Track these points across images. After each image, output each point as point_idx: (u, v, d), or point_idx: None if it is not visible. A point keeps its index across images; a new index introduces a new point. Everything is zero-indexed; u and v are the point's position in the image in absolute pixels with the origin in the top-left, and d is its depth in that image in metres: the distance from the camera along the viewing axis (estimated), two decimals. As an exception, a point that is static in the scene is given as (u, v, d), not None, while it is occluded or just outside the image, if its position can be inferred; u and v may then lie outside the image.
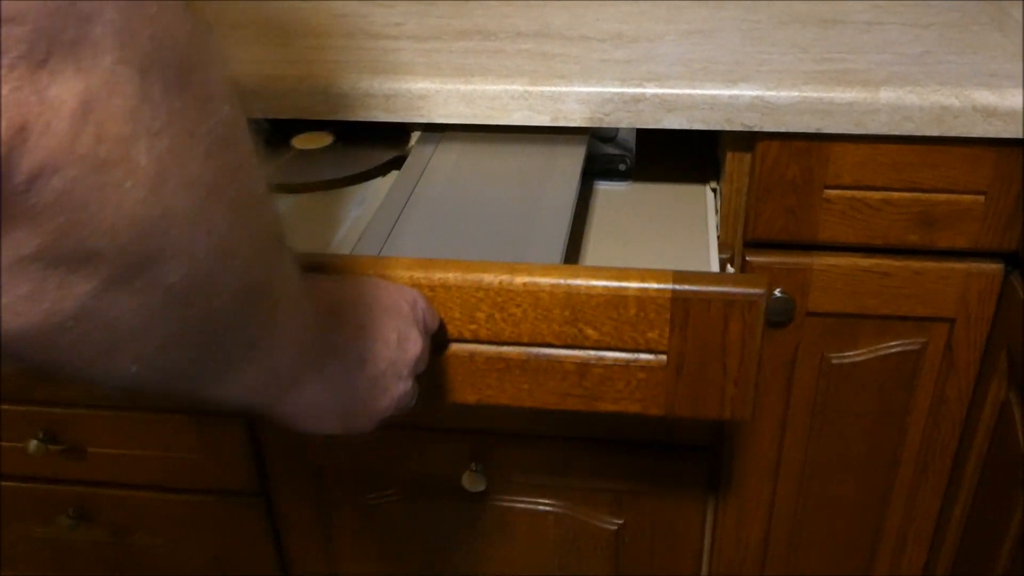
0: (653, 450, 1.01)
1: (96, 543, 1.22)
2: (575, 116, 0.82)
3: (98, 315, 0.37)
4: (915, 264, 0.87)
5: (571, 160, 0.83)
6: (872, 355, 0.93)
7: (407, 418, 0.64)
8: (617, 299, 0.64)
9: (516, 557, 1.13)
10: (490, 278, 0.65)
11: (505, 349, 0.68)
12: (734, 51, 0.86)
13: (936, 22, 0.91)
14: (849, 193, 0.84)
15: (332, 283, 0.59)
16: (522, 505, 1.08)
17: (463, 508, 1.09)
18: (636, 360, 0.67)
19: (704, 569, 1.10)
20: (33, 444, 1.09)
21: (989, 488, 0.92)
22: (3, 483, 1.18)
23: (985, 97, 0.77)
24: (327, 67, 0.86)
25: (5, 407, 1.10)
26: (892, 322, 0.91)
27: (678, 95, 0.80)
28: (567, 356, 0.67)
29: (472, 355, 0.69)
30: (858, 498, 1.02)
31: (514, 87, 0.81)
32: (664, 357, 0.67)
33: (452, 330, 0.68)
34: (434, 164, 0.84)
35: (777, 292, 0.89)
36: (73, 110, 0.31)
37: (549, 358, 0.68)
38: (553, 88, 0.81)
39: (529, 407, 0.70)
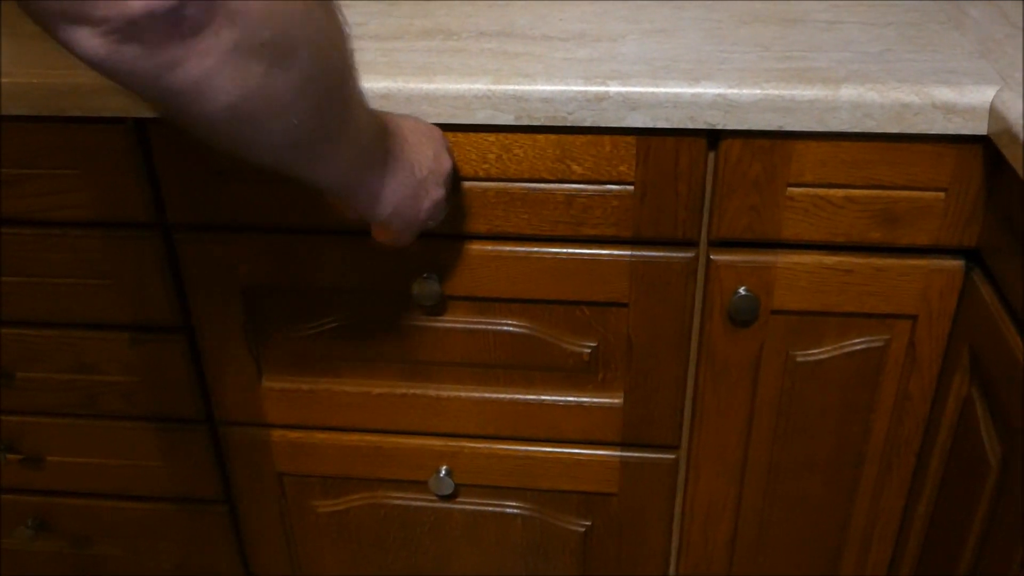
0: (621, 450, 1.01)
1: (57, 553, 1.20)
2: (539, 115, 0.82)
3: (267, 90, 0.54)
4: (877, 261, 0.88)
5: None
6: (836, 352, 0.93)
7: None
8: (596, 139, 0.84)
9: (483, 561, 1.12)
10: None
11: (510, 185, 0.87)
12: (696, 50, 0.86)
13: (895, 21, 0.92)
14: (812, 191, 0.85)
15: (379, 111, 0.73)
16: (490, 508, 1.08)
17: (430, 512, 1.09)
18: (610, 190, 0.86)
19: (671, 569, 1.10)
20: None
21: (952, 484, 0.93)
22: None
23: (945, 94, 0.77)
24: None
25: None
26: (856, 319, 0.91)
27: (641, 93, 0.80)
28: (558, 189, 0.86)
29: (485, 191, 0.87)
30: (824, 496, 1.02)
31: (477, 86, 0.81)
32: (631, 187, 0.86)
33: (469, 170, 0.87)
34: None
35: (742, 290, 0.89)
36: None
37: (544, 191, 0.86)
38: (517, 87, 0.81)
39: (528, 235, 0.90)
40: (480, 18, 0.96)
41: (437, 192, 0.79)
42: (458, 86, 0.81)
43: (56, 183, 0.92)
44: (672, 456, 1.01)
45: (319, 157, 0.64)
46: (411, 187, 0.76)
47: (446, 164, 0.80)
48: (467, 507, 1.08)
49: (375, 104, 0.82)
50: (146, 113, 0.86)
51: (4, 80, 0.85)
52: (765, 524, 1.05)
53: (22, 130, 0.89)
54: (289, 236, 0.93)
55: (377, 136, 0.71)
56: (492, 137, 0.85)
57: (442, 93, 0.82)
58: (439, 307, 0.95)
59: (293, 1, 0.53)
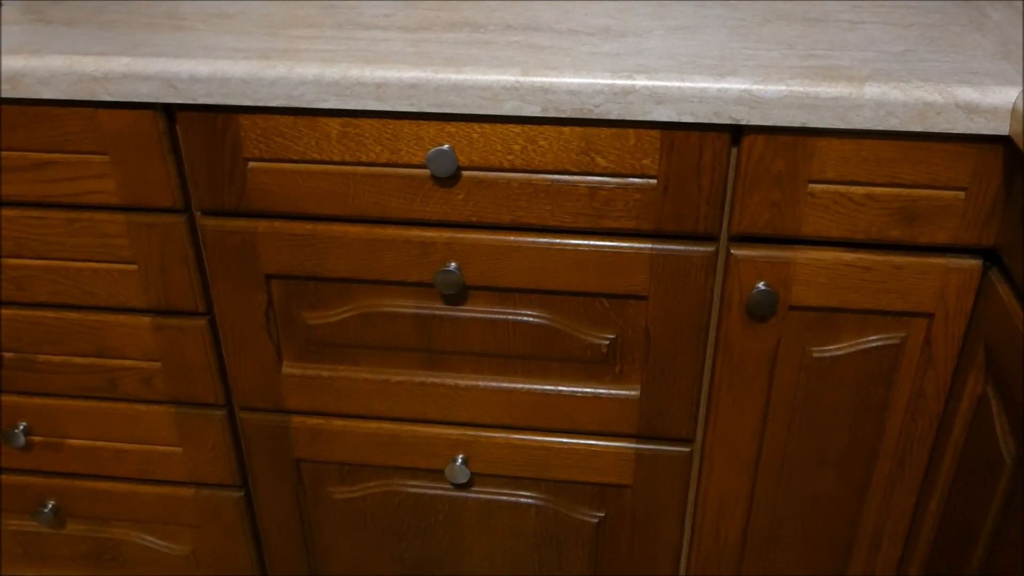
0: (636, 443, 1.02)
1: (72, 536, 1.21)
2: (565, 107, 0.82)
3: None
4: (896, 259, 0.89)
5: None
6: (853, 349, 0.94)
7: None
8: (620, 132, 0.84)
9: (496, 549, 1.13)
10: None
11: (534, 176, 0.88)
12: (721, 46, 0.87)
13: (917, 22, 0.93)
14: (833, 188, 0.86)
15: None
16: (504, 498, 1.08)
17: (445, 500, 1.10)
18: (633, 183, 0.87)
19: (682, 564, 1.11)
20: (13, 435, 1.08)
21: (965, 482, 0.94)
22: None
23: (967, 94, 0.78)
24: (317, 56, 0.86)
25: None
26: (872, 316, 0.92)
27: (667, 87, 0.81)
28: (581, 181, 0.87)
29: (508, 182, 0.88)
30: (836, 493, 1.03)
31: (505, 78, 0.82)
32: (654, 181, 0.87)
33: (494, 161, 0.87)
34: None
35: (761, 285, 0.90)
36: None
37: (567, 183, 0.87)
38: (544, 79, 0.82)
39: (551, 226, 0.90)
40: (506, 12, 0.97)
41: None
42: (486, 77, 0.82)
43: (84, 168, 0.93)
44: (686, 449, 1.02)
45: None
46: None
47: None
48: (482, 496, 1.09)
49: (405, 94, 0.84)
50: (174, 99, 0.87)
51: (36, 65, 0.86)
52: (777, 519, 1.06)
53: (52, 115, 0.90)
54: (312, 224, 0.94)
55: None
56: (517, 128, 0.86)
57: (470, 84, 0.83)
58: (460, 297, 0.96)
59: None
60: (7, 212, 0.97)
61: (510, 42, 0.88)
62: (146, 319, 1.02)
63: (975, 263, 0.88)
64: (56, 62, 0.87)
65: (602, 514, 1.08)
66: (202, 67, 0.85)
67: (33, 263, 1.00)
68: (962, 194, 0.84)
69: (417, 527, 1.13)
